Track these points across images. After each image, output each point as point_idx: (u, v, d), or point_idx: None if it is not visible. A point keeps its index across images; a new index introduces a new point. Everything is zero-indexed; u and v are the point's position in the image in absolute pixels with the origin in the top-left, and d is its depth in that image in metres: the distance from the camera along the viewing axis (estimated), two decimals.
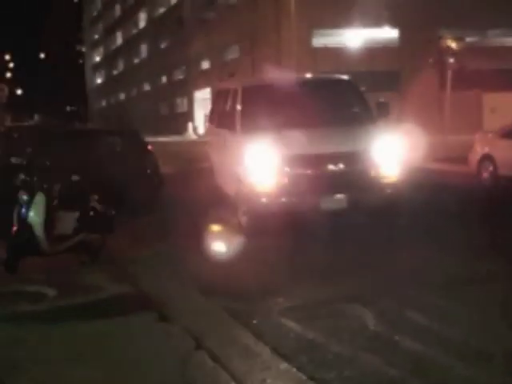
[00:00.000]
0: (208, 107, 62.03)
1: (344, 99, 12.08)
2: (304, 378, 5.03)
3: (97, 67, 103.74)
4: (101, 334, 6.14)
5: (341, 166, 10.06)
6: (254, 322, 6.34)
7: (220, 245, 9.57)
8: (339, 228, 10.21)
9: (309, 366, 5.22)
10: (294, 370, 5.17)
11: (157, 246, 9.79)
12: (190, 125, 57.71)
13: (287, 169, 9.95)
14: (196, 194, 14.71)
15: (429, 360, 5.30)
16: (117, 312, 6.70)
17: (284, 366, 5.27)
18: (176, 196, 14.72)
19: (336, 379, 5.00)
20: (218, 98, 14.04)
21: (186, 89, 62.95)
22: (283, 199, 9.91)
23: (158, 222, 11.71)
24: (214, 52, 55.41)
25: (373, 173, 10.20)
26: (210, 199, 12.78)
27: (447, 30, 36.42)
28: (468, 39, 35.21)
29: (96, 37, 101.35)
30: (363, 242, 9.60)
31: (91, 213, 8.98)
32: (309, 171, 10.00)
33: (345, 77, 12.67)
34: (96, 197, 9.29)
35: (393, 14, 40.58)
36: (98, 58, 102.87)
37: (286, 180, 9.93)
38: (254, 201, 10.04)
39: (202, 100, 59.40)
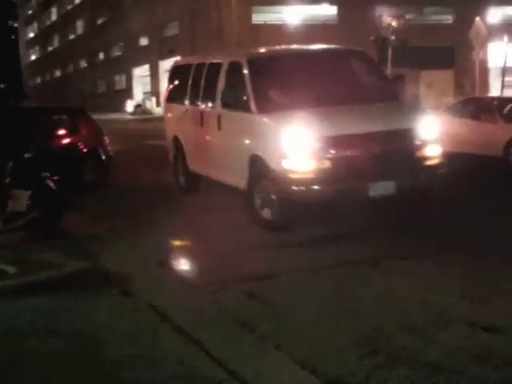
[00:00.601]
0: (147, 84, 60.79)
1: (365, 73, 10.79)
2: (269, 346, 5.15)
3: (31, 43, 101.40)
4: (67, 309, 6.19)
5: (389, 146, 8.86)
6: (216, 294, 6.44)
7: None
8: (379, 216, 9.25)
9: (272, 334, 5.36)
10: (257, 338, 5.32)
11: (113, 223, 9.77)
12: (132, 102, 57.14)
13: (328, 152, 8.64)
14: (153, 172, 14.62)
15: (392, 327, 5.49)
16: (80, 288, 6.73)
17: (247, 334, 5.42)
18: (128, 174, 14.65)
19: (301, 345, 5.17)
20: (189, 74, 11.89)
21: (124, 66, 62.21)
22: (324, 186, 8.63)
23: (112, 198, 11.66)
24: (153, 28, 54.85)
25: (418, 154, 9.11)
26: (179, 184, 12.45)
27: (385, 7, 37.00)
28: (405, 17, 35.84)
29: (30, 12, 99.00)
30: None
31: (44, 190, 8.95)
32: (355, 154, 8.72)
33: (359, 49, 11.31)
34: (48, 174, 9.27)
35: None
36: (31, 34, 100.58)
37: (327, 165, 8.64)
38: (289, 189, 8.68)
39: (141, 77, 58.91)
